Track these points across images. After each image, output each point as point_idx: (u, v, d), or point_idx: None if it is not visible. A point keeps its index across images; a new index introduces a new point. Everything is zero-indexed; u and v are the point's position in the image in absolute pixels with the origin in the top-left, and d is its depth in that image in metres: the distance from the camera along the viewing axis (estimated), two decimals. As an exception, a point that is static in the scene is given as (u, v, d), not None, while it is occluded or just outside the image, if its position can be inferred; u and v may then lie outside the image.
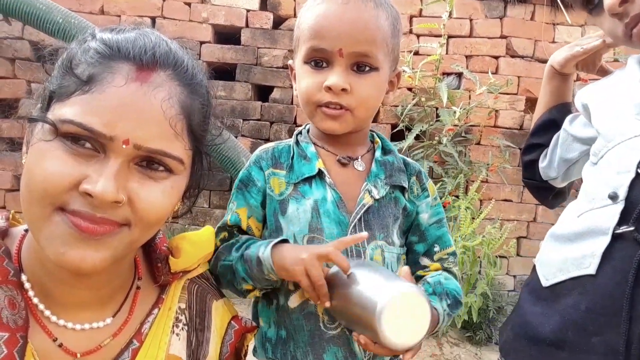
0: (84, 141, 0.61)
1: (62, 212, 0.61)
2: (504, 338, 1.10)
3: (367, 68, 0.91)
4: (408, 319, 0.73)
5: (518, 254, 3.44)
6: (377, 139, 1.05)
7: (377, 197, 0.95)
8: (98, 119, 0.60)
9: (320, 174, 0.95)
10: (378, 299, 0.72)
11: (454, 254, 1.04)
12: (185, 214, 0.79)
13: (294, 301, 0.92)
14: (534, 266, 1.08)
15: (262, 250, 0.86)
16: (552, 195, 1.36)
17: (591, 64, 1.27)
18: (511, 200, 3.43)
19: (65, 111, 0.61)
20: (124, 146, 0.60)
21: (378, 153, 1.02)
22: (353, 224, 0.93)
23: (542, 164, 1.31)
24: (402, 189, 1.00)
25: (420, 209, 1.02)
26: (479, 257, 2.94)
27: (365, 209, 0.94)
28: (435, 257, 1.02)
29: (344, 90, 0.90)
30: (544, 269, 1.03)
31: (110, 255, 0.64)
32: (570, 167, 1.27)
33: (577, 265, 0.95)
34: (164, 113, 0.63)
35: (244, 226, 0.97)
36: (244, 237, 0.96)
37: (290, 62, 1.02)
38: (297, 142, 1.01)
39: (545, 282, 1.01)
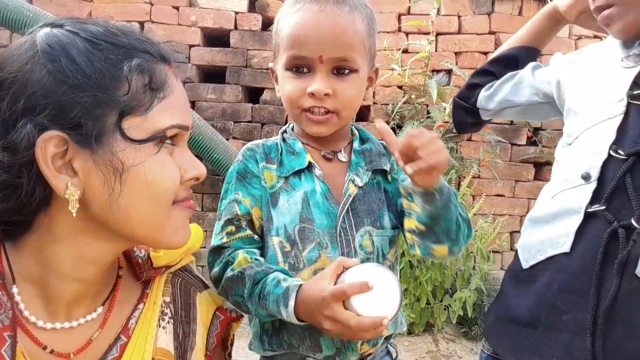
0: (171, 141, 0.69)
1: (174, 205, 0.69)
2: (487, 322, 1.13)
3: (347, 71, 0.94)
4: (378, 294, 0.78)
5: (511, 249, 3.45)
6: (356, 131, 1.08)
7: (360, 184, 0.98)
8: (177, 118, 0.68)
9: (309, 167, 0.98)
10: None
11: None
12: None
13: None
14: (516, 251, 1.10)
15: (285, 313, 0.84)
16: (471, 123, 1.38)
17: (593, 18, 1.27)
18: (503, 195, 3.44)
19: (158, 121, 0.65)
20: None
21: (356, 144, 1.05)
22: (342, 215, 0.95)
23: (486, 92, 1.31)
24: (384, 172, 1.03)
25: (402, 177, 1.03)
26: (472, 252, 2.95)
27: (351, 198, 0.97)
28: None
29: (327, 95, 0.92)
30: (524, 252, 1.05)
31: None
32: (507, 108, 1.28)
33: (552, 245, 0.97)
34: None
35: (254, 217, 0.97)
36: (249, 269, 0.90)
37: (271, 64, 1.04)
38: (283, 140, 1.04)
39: (525, 264, 1.03)
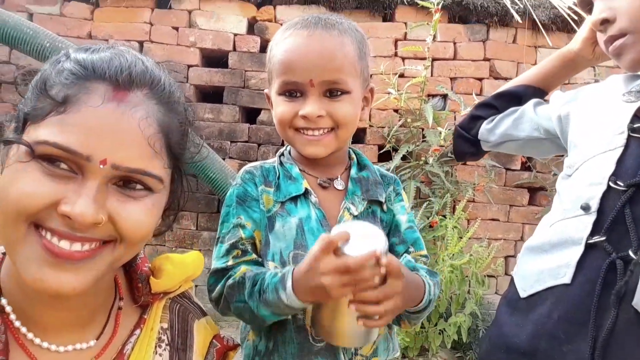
0: (60, 162, 0.60)
1: (36, 232, 0.60)
2: (482, 349, 1.12)
3: (339, 92, 0.95)
4: (362, 239, 0.79)
5: (506, 273, 3.45)
6: (353, 155, 1.08)
7: (355, 213, 0.99)
8: (74, 138, 0.59)
9: (306, 193, 0.98)
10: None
11: (426, 256, 1.06)
12: (164, 232, 0.79)
13: None
14: (512, 279, 1.10)
15: (284, 298, 0.83)
16: (471, 153, 1.40)
17: None
18: (498, 220, 3.45)
19: (41, 132, 0.60)
20: (101, 166, 0.60)
21: (353, 170, 1.05)
22: None
23: (487, 125, 1.33)
24: (380, 202, 1.03)
25: (396, 211, 1.05)
26: (467, 276, 2.94)
27: None
28: (411, 256, 1.03)
29: (320, 117, 0.93)
30: (522, 281, 1.05)
31: (92, 277, 0.63)
32: (507, 142, 1.30)
33: (553, 276, 0.97)
34: (142, 132, 0.63)
35: (257, 241, 0.97)
36: (248, 272, 0.92)
37: (266, 90, 1.05)
38: (280, 163, 1.04)
39: (523, 293, 1.03)
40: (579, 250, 0.94)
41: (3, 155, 0.65)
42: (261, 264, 0.96)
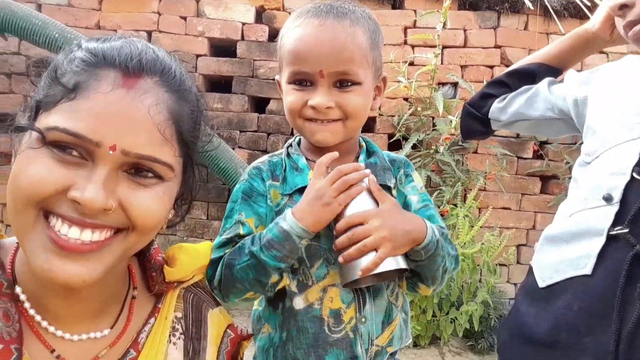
0: (71, 149, 0.60)
1: (45, 222, 0.60)
2: (501, 340, 1.11)
3: (349, 83, 0.93)
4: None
5: (518, 262, 3.43)
6: (363, 143, 1.07)
7: None
8: (84, 124, 0.59)
9: None
10: None
11: (443, 227, 1.04)
12: (178, 223, 0.78)
13: (299, 303, 0.93)
14: (530, 268, 1.08)
15: (284, 224, 0.87)
16: (480, 132, 1.37)
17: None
18: (510, 208, 3.42)
19: (52, 119, 0.60)
20: (111, 152, 0.60)
21: (362, 157, 1.04)
22: None
23: (499, 104, 1.30)
24: (389, 188, 1.02)
25: (407, 192, 1.04)
26: (478, 265, 2.93)
27: None
28: None
29: (329, 108, 0.92)
30: (541, 271, 1.03)
31: (102, 268, 0.63)
32: (519, 121, 1.27)
33: (573, 266, 0.95)
34: (152, 119, 0.63)
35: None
36: (244, 240, 0.93)
37: (277, 77, 1.04)
38: (288, 154, 1.03)
39: (542, 283, 1.01)
40: (600, 241, 0.92)
41: (16, 144, 0.65)
42: None
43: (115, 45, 0.65)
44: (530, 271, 1.08)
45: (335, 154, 0.91)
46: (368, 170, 0.89)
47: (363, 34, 0.94)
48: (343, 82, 0.93)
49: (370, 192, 0.91)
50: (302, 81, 0.94)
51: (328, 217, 0.87)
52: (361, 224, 0.86)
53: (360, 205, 0.89)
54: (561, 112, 1.18)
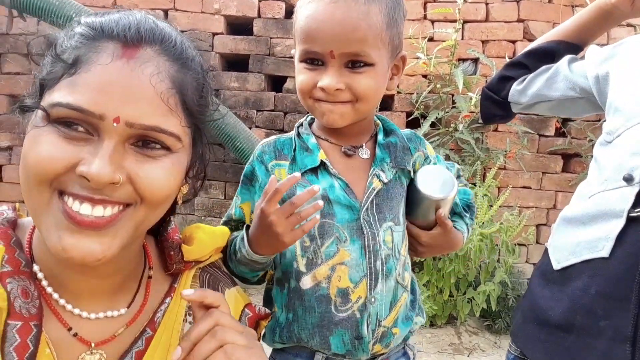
0: (77, 125, 0.60)
1: (60, 199, 0.61)
2: (514, 322, 1.10)
3: (361, 64, 0.90)
4: (437, 180, 0.98)
5: (537, 242, 3.39)
6: (378, 122, 1.05)
7: (385, 180, 0.97)
8: (85, 98, 0.59)
9: (323, 165, 0.96)
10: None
11: (465, 184, 1.13)
12: (191, 199, 0.78)
13: (306, 282, 0.94)
14: (546, 249, 1.06)
15: (244, 252, 0.88)
16: (500, 116, 1.34)
17: None
18: (530, 187, 3.37)
19: (54, 96, 0.60)
20: (115, 124, 0.59)
21: (380, 136, 1.02)
22: (365, 207, 0.94)
23: (518, 86, 1.26)
24: (407, 172, 1.01)
25: None
26: (497, 244, 2.91)
27: (375, 192, 0.96)
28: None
29: (338, 90, 0.90)
30: (557, 253, 1.01)
31: (118, 244, 0.63)
32: (540, 103, 1.23)
33: (590, 248, 0.93)
34: (154, 88, 0.62)
35: (247, 220, 0.99)
36: (231, 236, 0.94)
37: (293, 51, 1.01)
38: (298, 134, 1.02)
39: (557, 265, 1.00)
40: (619, 223, 0.89)
41: (24, 125, 0.65)
42: None
43: (114, 17, 0.65)
44: (546, 253, 1.06)
45: (295, 178, 0.82)
46: (317, 187, 0.82)
47: (379, 11, 0.89)
48: (355, 63, 0.90)
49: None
50: (313, 60, 0.92)
51: (288, 246, 0.85)
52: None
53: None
54: (583, 90, 1.13)
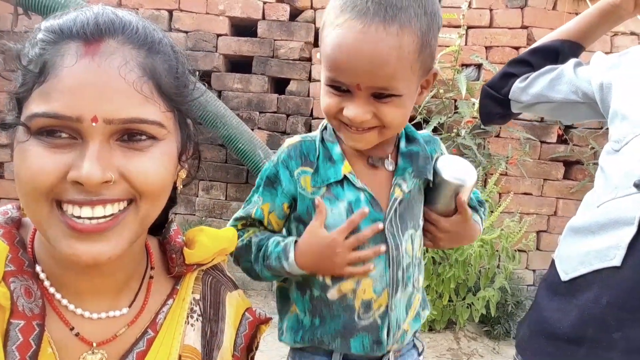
0: (59, 132, 0.60)
1: (59, 210, 0.61)
2: (520, 335, 1.08)
3: (389, 95, 0.86)
4: (459, 167, 1.00)
5: (538, 248, 3.39)
6: None
7: (406, 190, 0.95)
8: (59, 103, 0.58)
9: (347, 178, 0.93)
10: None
11: (482, 203, 1.14)
12: (189, 183, 0.77)
13: (333, 295, 0.95)
14: (552, 261, 1.05)
15: (286, 265, 0.91)
16: (499, 115, 1.32)
17: None
18: (531, 194, 3.37)
19: (30, 108, 0.60)
20: (94, 124, 0.58)
21: (402, 144, 0.99)
22: (389, 219, 0.93)
23: (520, 84, 1.25)
24: (428, 181, 1.00)
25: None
26: (497, 250, 2.90)
27: (397, 202, 0.94)
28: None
29: (364, 121, 0.86)
30: (564, 264, 1.00)
31: (126, 241, 0.64)
32: (541, 103, 1.22)
33: (600, 258, 0.92)
34: (124, 79, 0.61)
35: (265, 222, 0.98)
36: (254, 237, 0.97)
37: (318, 56, 0.96)
38: (322, 139, 0.98)
39: (564, 276, 0.98)
40: (631, 230, 0.88)
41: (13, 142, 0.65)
42: (268, 230, 1.01)
43: (70, 17, 0.63)
44: (552, 265, 1.05)
45: (365, 214, 0.91)
46: (366, 209, 0.91)
47: (412, 40, 0.82)
48: (382, 94, 0.85)
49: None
50: (339, 86, 0.87)
51: (334, 271, 0.91)
52: None
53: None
54: (585, 95, 1.13)
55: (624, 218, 0.90)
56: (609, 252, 0.91)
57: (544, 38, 1.34)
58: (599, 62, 1.13)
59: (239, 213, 1.00)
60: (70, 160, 0.59)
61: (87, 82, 0.59)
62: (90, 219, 0.60)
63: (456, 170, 0.99)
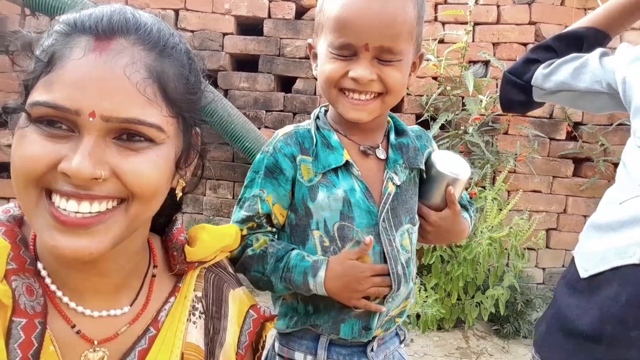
0: (59, 123, 0.60)
1: (47, 199, 0.61)
2: (538, 332, 1.06)
3: (392, 57, 0.89)
4: (453, 162, 1.02)
5: (547, 246, 3.36)
6: (389, 119, 1.04)
7: (398, 183, 0.97)
8: (60, 94, 0.58)
9: (347, 165, 0.94)
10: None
11: (473, 205, 1.15)
12: (189, 192, 0.77)
13: None
14: (572, 258, 1.04)
15: (311, 284, 0.91)
16: (520, 102, 1.29)
17: None
18: (540, 192, 3.34)
19: (34, 95, 0.60)
20: (91, 119, 0.58)
21: (392, 136, 1.01)
22: (382, 214, 0.94)
23: (544, 70, 1.22)
24: (420, 170, 1.02)
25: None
26: (506, 248, 2.88)
27: (390, 197, 0.95)
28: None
29: (371, 80, 0.89)
30: (584, 260, 0.98)
31: (110, 241, 0.63)
32: (563, 91, 1.19)
33: (620, 255, 0.90)
34: (128, 79, 0.60)
35: (272, 216, 0.97)
36: (270, 247, 0.95)
37: (310, 40, 0.99)
38: (317, 128, 0.99)
39: (584, 273, 0.96)
40: None
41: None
42: (274, 234, 0.99)
43: (88, 12, 0.63)
44: (572, 262, 1.03)
45: (370, 244, 0.91)
46: (369, 239, 0.91)
47: (413, 7, 0.89)
48: (386, 56, 0.88)
49: None
50: (343, 50, 0.89)
51: (352, 300, 0.92)
52: None
53: None
54: (609, 86, 1.10)
55: None
56: (629, 249, 0.89)
57: (571, 26, 1.31)
58: (623, 54, 1.10)
59: (241, 214, 0.97)
60: (64, 152, 0.59)
61: (91, 77, 0.59)
62: (75, 212, 0.60)
63: (451, 164, 1.00)
